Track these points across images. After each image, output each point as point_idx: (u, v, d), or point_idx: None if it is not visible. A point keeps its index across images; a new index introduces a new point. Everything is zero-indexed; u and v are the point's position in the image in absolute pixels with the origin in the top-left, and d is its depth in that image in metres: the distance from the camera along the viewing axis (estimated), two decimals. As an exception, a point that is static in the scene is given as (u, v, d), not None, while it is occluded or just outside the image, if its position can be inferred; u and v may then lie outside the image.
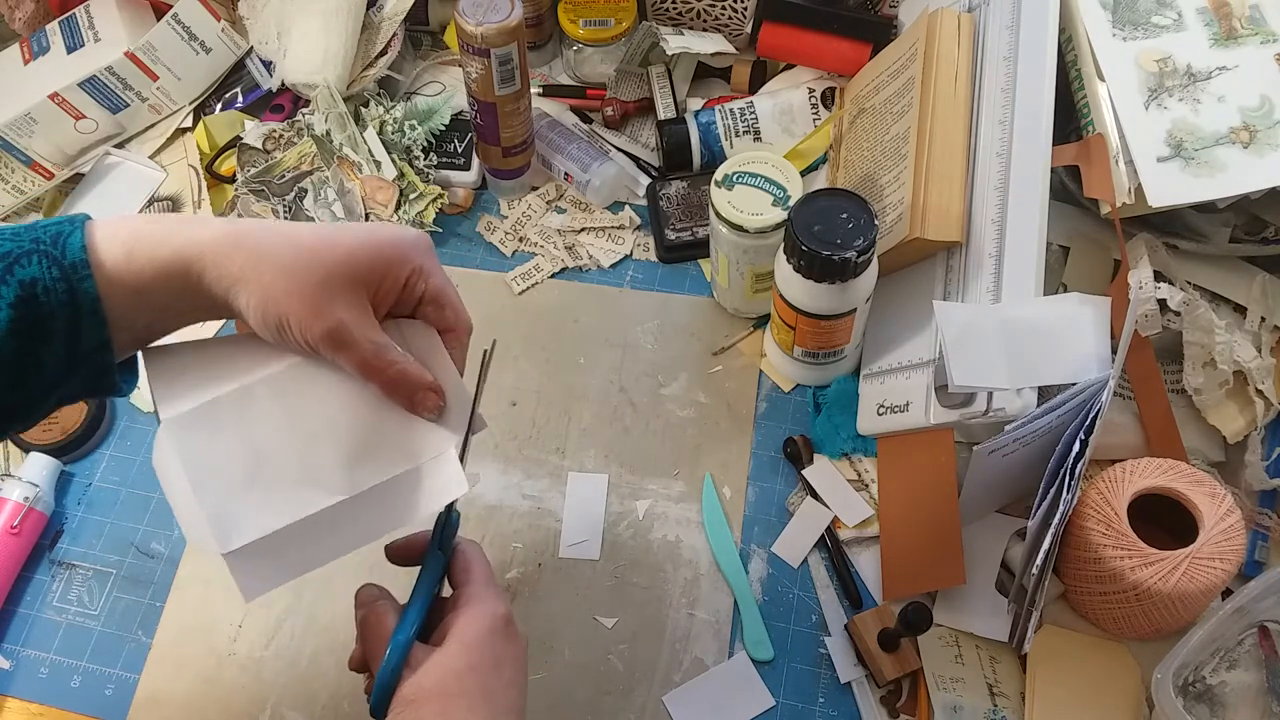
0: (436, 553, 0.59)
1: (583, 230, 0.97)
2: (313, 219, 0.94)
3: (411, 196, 0.96)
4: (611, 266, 0.95)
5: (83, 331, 0.51)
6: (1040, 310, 0.75)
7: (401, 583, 0.59)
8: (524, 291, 0.94)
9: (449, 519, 0.60)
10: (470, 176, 1.00)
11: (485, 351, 0.61)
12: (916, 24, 0.88)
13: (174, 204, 0.98)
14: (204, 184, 0.98)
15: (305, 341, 0.54)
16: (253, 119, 1.02)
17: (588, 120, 1.04)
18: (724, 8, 1.02)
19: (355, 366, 0.55)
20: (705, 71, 1.05)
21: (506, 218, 0.98)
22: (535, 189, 1.00)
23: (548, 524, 0.81)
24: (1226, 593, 0.72)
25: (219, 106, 1.04)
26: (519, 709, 0.56)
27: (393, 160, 0.97)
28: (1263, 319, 0.82)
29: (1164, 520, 0.70)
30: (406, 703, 0.53)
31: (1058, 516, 0.68)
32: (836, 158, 0.94)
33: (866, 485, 0.81)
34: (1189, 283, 0.83)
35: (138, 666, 0.77)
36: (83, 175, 1.01)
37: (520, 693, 0.57)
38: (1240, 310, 0.84)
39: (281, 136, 0.98)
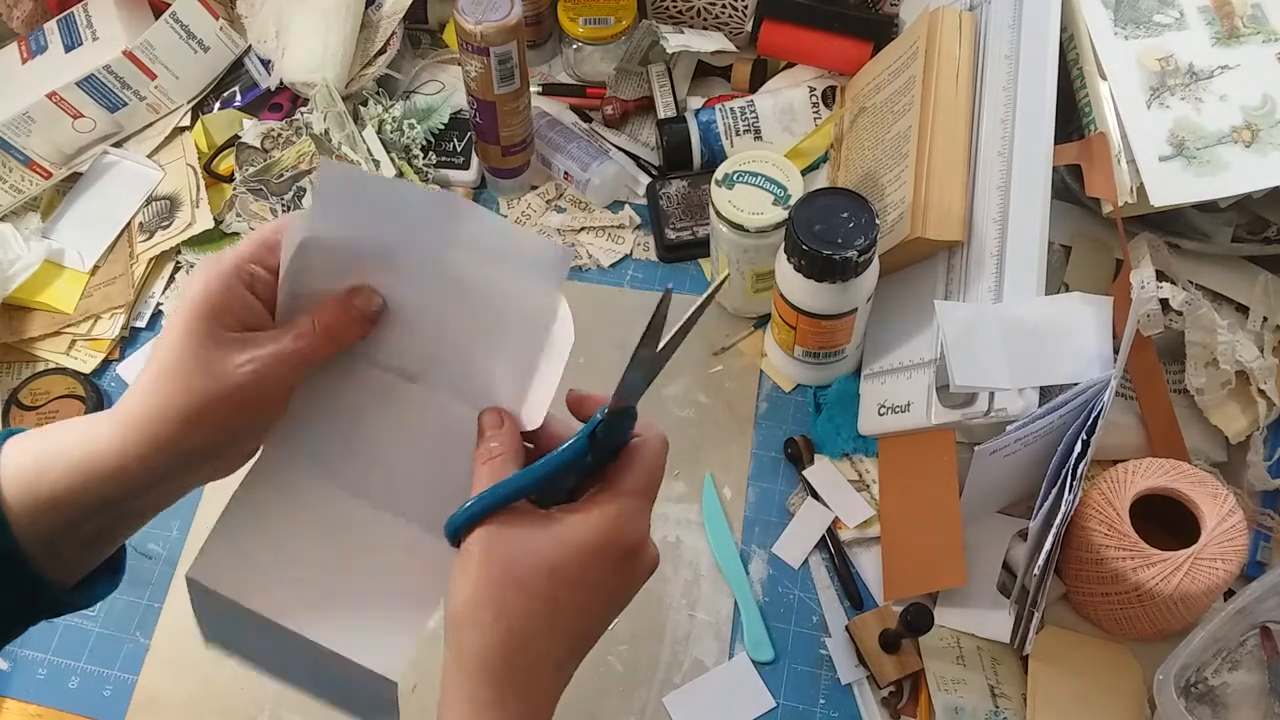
0: (583, 438, 0.51)
1: (582, 229, 0.96)
2: (311, 218, 0.94)
3: (410, 195, 0.96)
4: (611, 266, 0.95)
5: None
6: (1042, 310, 0.75)
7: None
8: (523, 291, 0.94)
9: (614, 415, 0.51)
10: (469, 176, 1.00)
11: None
12: (917, 22, 0.88)
13: (172, 202, 0.98)
14: (202, 183, 0.98)
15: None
16: (251, 118, 1.02)
17: (587, 119, 1.04)
18: (724, 6, 1.01)
19: (306, 345, 0.50)
20: (705, 70, 1.04)
21: (506, 217, 0.98)
22: (535, 188, 0.99)
23: (547, 524, 0.81)
24: (1229, 593, 0.72)
25: (217, 105, 1.03)
26: (581, 636, 0.50)
27: (391, 159, 0.96)
28: (1265, 319, 0.82)
29: (1166, 521, 0.70)
30: (470, 553, 0.48)
31: (1059, 517, 0.68)
32: (837, 157, 0.94)
33: (867, 486, 0.81)
34: (1191, 282, 0.83)
35: (136, 667, 0.77)
36: (80, 174, 1.00)
37: (592, 623, 0.50)
38: (1243, 310, 0.83)
39: (280, 135, 0.98)
